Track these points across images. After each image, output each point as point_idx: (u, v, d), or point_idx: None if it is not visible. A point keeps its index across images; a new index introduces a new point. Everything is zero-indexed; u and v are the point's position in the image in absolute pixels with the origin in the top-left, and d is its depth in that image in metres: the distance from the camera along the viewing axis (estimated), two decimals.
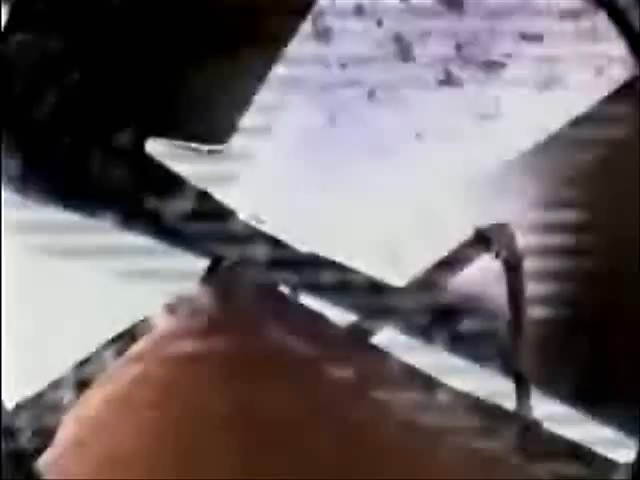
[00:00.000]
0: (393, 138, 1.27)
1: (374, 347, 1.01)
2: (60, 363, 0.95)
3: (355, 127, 1.27)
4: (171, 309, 0.94)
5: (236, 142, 1.40)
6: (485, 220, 1.26)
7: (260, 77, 1.32)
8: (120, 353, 0.90)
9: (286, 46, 1.29)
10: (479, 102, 1.20)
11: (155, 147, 1.43)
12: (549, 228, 1.23)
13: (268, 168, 1.40)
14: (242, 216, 1.46)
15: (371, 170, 1.31)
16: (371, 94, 1.22)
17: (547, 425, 1.09)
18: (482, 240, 1.20)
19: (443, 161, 1.29)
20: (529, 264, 1.24)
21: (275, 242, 1.36)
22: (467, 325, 1.26)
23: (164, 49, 1.43)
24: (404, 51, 1.17)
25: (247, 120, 1.36)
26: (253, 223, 1.46)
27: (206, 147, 1.41)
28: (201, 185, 1.44)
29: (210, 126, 1.40)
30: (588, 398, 1.47)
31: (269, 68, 1.31)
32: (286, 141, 1.33)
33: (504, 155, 1.26)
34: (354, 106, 1.25)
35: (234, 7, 1.42)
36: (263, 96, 1.30)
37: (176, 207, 1.31)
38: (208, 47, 1.40)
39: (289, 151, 1.33)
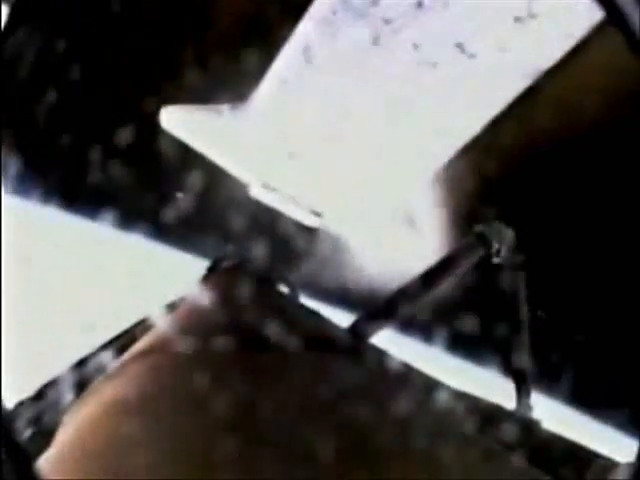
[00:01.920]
0: (435, 51, 1.27)
1: (374, 347, 1.01)
2: (60, 362, 0.95)
3: (398, 44, 1.27)
4: (171, 309, 0.94)
5: (261, 93, 1.38)
6: None
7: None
8: (120, 353, 0.90)
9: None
10: (514, 5, 1.21)
11: (172, 114, 1.41)
12: None
13: (284, 126, 1.38)
14: (254, 190, 1.44)
15: (411, 90, 1.31)
16: (419, 4, 1.22)
17: (547, 425, 1.09)
18: (482, 240, 1.20)
19: (482, 71, 1.29)
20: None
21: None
22: (467, 325, 1.26)
23: (165, 42, 1.43)
24: None
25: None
26: (265, 194, 1.44)
27: (227, 105, 1.39)
28: (215, 154, 1.42)
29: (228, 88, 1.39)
30: (588, 398, 1.47)
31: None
32: (328, 65, 1.32)
33: (539, 59, 1.27)
34: (400, 20, 1.25)
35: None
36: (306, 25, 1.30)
37: (176, 207, 1.31)
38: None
39: (329, 76, 1.33)
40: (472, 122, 1.35)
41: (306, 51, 1.31)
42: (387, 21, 1.25)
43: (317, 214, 1.45)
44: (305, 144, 1.39)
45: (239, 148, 1.42)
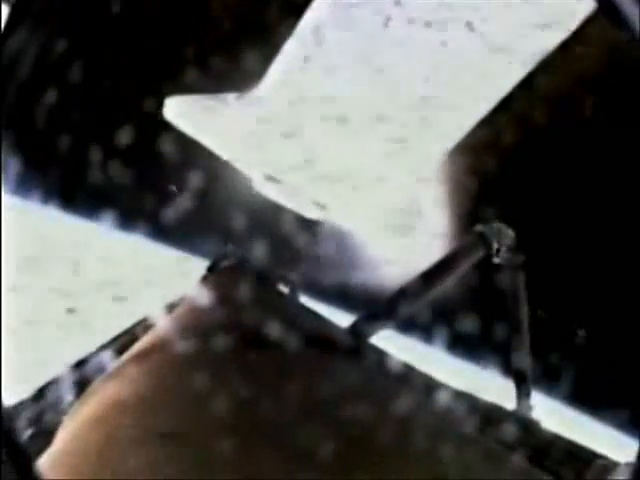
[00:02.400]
0: (445, 30, 1.27)
1: (374, 347, 1.01)
2: (60, 362, 0.95)
3: (409, 24, 1.27)
4: (171, 309, 0.94)
5: (270, 78, 1.36)
6: None
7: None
8: (120, 353, 0.90)
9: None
10: None
11: (175, 105, 1.39)
12: None
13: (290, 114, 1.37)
14: (257, 183, 1.43)
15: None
16: None
17: (547, 425, 1.09)
18: (482, 240, 1.20)
19: (491, 50, 1.29)
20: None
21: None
22: (467, 325, 1.26)
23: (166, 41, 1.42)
24: None
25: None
26: (268, 186, 1.42)
27: (233, 94, 1.38)
28: (219, 146, 1.40)
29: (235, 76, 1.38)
30: (588, 398, 1.47)
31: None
32: (339, 47, 1.32)
33: (546, 37, 1.27)
34: (411, 1, 1.25)
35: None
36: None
37: (176, 207, 1.31)
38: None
39: (340, 60, 1.32)
40: (482, 102, 1.34)
41: (316, 32, 1.30)
42: (397, 2, 1.25)
43: (321, 206, 1.43)
44: (313, 131, 1.37)
45: (245, 138, 1.40)
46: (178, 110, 1.37)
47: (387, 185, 1.41)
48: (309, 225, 1.49)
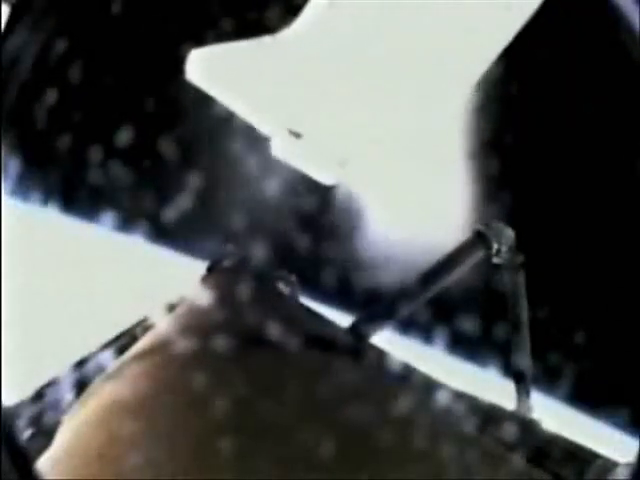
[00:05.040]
0: None
1: (374, 347, 1.01)
2: (60, 362, 0.95)
3: None
4: (171, 309, 0.94)
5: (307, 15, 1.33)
6: None
7: None
8: (120, 353, 0.90)
9: None
10: None
11: (199, 57, 1.35)
12: None
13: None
14: (275, 142, 1.39)
15: None
16: None
17: (547, 425, 1.09)
18: (482, 240, 1.20)
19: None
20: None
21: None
22: (467, 325, 1.26)
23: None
24: None
25: None
26: (289, 144, 1.39)
27: (264, 37, 1.34)
28: (244, 98, 1.37)
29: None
30: (588, 398, 1.47)
31: None
32: None
33: None
34: None
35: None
36: None
37: (176, 207, 1.31)
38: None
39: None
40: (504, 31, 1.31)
41: None
42: None
43: (343, 163, 1.38)
44: (340, 80, 1.33)
45: (271, 85, 1.34)
46: (201, 62, 1.33)
47: (416, 138, 1.36)
48: (310, 224, 1.49)
